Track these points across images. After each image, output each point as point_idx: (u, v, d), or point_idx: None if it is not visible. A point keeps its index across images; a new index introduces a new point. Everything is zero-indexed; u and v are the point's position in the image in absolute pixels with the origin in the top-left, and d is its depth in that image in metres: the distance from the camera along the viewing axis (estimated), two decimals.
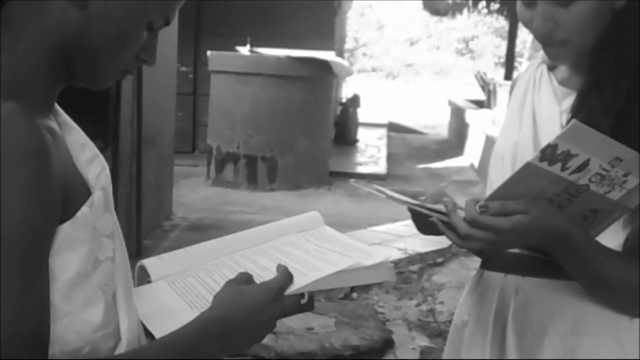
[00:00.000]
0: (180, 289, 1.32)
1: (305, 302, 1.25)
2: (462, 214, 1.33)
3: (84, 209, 1.04)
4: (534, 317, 1.51)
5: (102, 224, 1.07)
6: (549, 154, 1.24)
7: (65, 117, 1.14)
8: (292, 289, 1.21)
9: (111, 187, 1.12)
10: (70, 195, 1.02)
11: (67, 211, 1.01)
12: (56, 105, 1.14)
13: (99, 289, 1.06)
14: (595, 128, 1.27)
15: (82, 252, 1.03)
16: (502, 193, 1.31)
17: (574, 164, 1.25)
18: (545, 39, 1.46)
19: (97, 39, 1.07)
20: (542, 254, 1.42)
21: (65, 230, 1.01)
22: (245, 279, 1.21)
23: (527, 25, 1.47)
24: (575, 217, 1.35)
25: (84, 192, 1.05)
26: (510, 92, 1.70)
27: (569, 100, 1.49)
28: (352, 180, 1.62)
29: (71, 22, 1.06)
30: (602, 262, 1.39)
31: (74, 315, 1.03)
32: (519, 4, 1.48)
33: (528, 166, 1.27)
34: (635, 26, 1.41)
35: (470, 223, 1.31)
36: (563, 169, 1.26)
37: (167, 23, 1.14)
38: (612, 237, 1.43)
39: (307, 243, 1.42)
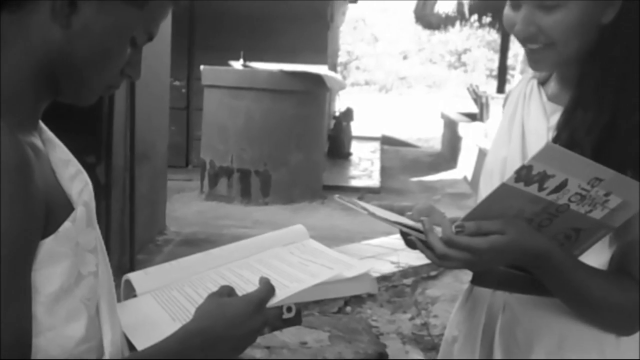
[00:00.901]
0: (165, 302, 1.33)
1: (292, 316, 1.26)
2: (440, 233, 1.32)
3: (67, 224, 1.05)
4: (520, 334, 1.51)
5: (85, 239, 1.08)
6: (524, 175, 1.24)
7: (50, 134, 1.16)
8: (274, 301, 1.23)
9: (94, 203, 1.13)
10: (53, 210, 1.03)
11: (50, 226, 1.03)
12: (40, 123, 1.15)
13: (82, 304, 1.07)
14: (579, 146, 1.27)
15: (64, 266, 1.04)
16: (478, 213, 1.31)
17: (551, 184, 1.25)
18: (526, 43, 1.46)
19: (80, 56, 1.08)
20: (527, 272, 1.41)
21: (48, 244, 1.02)
22: (227, 291, 1.23)
23: (511, 28, 1.47)
24: (557, 236, 1.35)
25: (66, 208, 1.07)
26: (504, 107, 1.71)
27: (557, 116, 1.49)
28: (336, 196, 1.62)
29: (54, 39, 1.07)
30: (584, 281, 1.38)
31: (57, 329, 1.04)
32: (506, 6, 1.48)
33: (503, 187, 1.26)
34: (621, 43, 1.41)
35: (446, 243, 1.31)
36: (540, 189, 1.26)
37: (150, 38, 1.15)
38: (598, 256, 1.43)
39: (291, 256, 1.43)
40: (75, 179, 1.10)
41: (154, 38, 1.16)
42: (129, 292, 1.39)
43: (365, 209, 1.45)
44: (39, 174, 1.01)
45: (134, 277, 1.40)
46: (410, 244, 1.45)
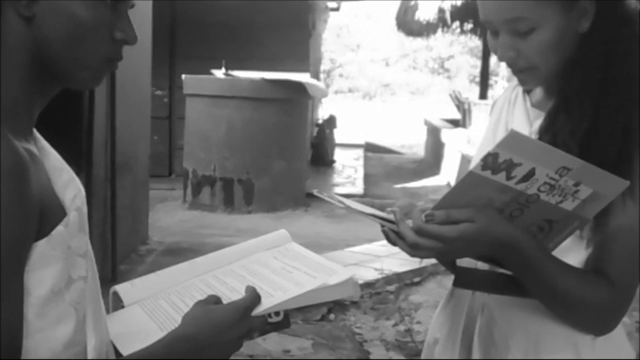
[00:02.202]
0: (152, 311, 1.35)
1: (280, 320, 1.29)
2: (411, 223, 1.34)
3: (60, 227, 1.07)
4: (497, 334, 1.52)
5: (77, 243, 1.10)
6: (490, 162, 1.24)
7: (44, 143, 1.17)
8: (259, 309, 1.25)
9: (86, 209, 1.15)
10: (47, 214, 1.05)
11: (43, 229, 1.05)
12: (35, 132, 1.16)
13: (72, 307, 1.09)
14: (563, 149, 1.27)
15: (56, 269, 1.06)
16: (448, 202, 1.32)
17: (518, 173, 1.25)
18: (510, 67, 1.49)
19: (57, 40, 1.08)
20: (498, 263, 1.42)
21: (40, 247, 1.04)
22: (213, 300, 1.25)
23: (494, 53, 1.49)
24: (530, 228, 1.35)
25: (60, 213, 1.08)
26: (490, 113, 1.73)
27: (540, 121, 1.50)
28: (315, 191, 1.64)
29: (26, 36, 1.08)
30: (554, 274, 1.39)
31: (46, 332, 1.06)
32: (488, 32, 1.50)
33: (471, 175, 1.27)
34: (600, 49, 1.42)
35: (417, 232, 1.32)
36: (508, 178, 1.26)
37: None
38: (575, 256, 1.44)
39: (274, 261, 1.44)
40: (68, 186, 1.12)
41: None
42: (117, 303, 1.41)
43: (341, 202, 1.46)
44: (35, 178, 1.03)
45: (121, 288, 1.42)
46: (386, 235, 1.46)
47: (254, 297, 1.25)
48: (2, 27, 1.07)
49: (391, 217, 1.37)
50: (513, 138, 1.23)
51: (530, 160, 1.24)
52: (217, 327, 1.19)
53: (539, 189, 1.28)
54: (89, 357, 1.11)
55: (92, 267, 1.16)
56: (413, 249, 1.34)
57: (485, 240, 1.33)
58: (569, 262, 1.42)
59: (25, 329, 1.03)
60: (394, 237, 1.37)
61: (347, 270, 1.35)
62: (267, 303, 1.26)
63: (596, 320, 1.45)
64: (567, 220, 1.34)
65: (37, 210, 1.03)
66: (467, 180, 1.28)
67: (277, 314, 1.28)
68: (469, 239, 1.31)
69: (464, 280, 1.58)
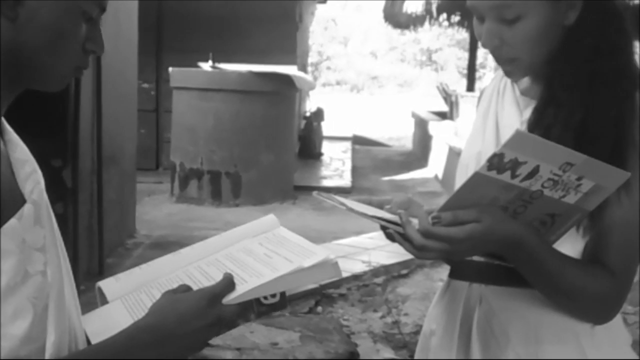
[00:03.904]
0: (132, 306, 1.32)
1: (277, 301, 1.26)
2: (417, 225, 1.33)
3: (12, 220, 1.05)
4: (496, 326, 1.52)
5: (32, 237, 1.08)
6: (496, 162, 1.25)
7: (13, 136, 1.16)
8: (232, 296, 1.22)
9: (45, 202, 1.13)
10: (5, 207, 1.04)
11: (1, 221, 1.03)
12: (5, 124, 1.16)
13: (29, 302, 1.06)
14: (560, 143, 1.28)
15: (10, 263, 1.04)
16: (454, 203, 1.32)
17: (523, 171, 1.26)
18: (494, 55, 1.49)
19: (35, 44, 1.09)
20: (504, 260, 1.43)
21: None
22: (183, 289, 1.23)
23: (479, 39, 1.49)
24: (533, 223, 1.36)
25: (21, 206, 1.07)
26: (478, 104, 1.72)
27: (530, 110, 1.51)
28: (314, 192, 1.62)
29: (5, 35, 1.07)
30: (558, 268, 1.40)
31: (3, 328, 1.03)
32: (474, 19, 1.50)
33: (477, 176, 1.27)
34: (586, 42, 1.42)
35: (424, 234, 1.31)
36: (513, 176, 1.27)
37: (103, 9, 1.15)
38: (572, 246, 1.45)
39: (259, 247, 1.42)
40: (29, 179, 1.11)
41: (105, 8, 1.16)
42: (104, 299, 1.38)
43: (343, 204, 1.45)
44: None
45: (105, 284, 1.40)
46: (390, 237, 1.45)
47: (225, 284, 1.22)
48: None
49: (396, 219, 1.36)
50: (518, 138, 1.24)
51: (534, 158, 1.25)
52: (182, 316, 1.16)
53: (542, 185, 1.29)
54: (47, 353, 1.08)
55: (56, 262, 1.13)
56: (420, 251, 1.34)
57: (491, 239, 1.33)
58: (566, 251, 1.43)
59: None
60: (399, 239, 1.36)
61: (323, 251, 1.32)
62: (241, 289, 1.23)
63: (598, 309, 1.46)
64: (569, 214, 1.35)
65: None
66: (473, 181, 1.29)
67: (273, 295, 1.25)
68: (476, 239, 1.31)
69: (461, 272, 1.60)
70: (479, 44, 1.54)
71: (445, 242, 1.31)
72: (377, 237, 6.65)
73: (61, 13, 1.09)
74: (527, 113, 1.51)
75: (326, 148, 14.03)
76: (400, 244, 1.37)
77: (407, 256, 6.10)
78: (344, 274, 5.51)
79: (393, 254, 6.16)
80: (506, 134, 1.51)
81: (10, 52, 1.08)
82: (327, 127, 14.72)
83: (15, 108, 1.17)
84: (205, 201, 8.84)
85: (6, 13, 1.06)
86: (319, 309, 5.20)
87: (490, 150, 1.51)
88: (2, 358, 1.03)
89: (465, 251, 1.38)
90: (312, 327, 4.71)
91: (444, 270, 6.52)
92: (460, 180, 1.62)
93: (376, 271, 6.00)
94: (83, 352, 1.16)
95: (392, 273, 6.04)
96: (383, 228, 1.44)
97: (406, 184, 11.42)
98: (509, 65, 1.48)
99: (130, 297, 1.36)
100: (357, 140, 16.95)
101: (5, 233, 1.03)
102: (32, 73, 1.12)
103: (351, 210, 1.43)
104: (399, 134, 19.05)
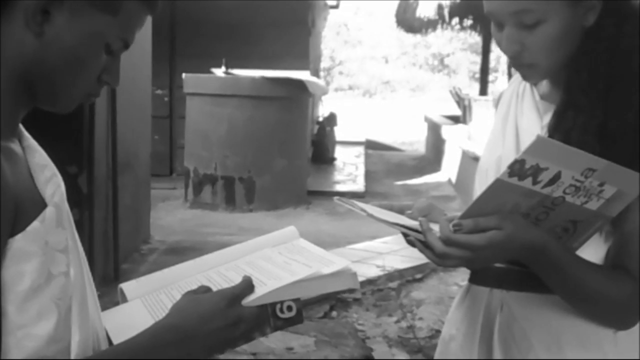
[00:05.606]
0: (151, 305, 1.34)
1: (293, 315, 1.26)
2: (438, 232, 1.33)
3: (35, 223, 1.07)
4: (518, 332, 1.51)
5: (55, 238, 1.10)
6: (517, 169, 1.25)
7: (31, 141, 1.18)
8: (250, 298, 1.23)
9: (66, 205, 1.15)
10: (25, 211, 1.06)
11: (20, 225, 1.05)
12: (23, 130, 1.18)
13: (53, 303, 1.08)
14: (579, 147, 1.27)
15: (34, 265, 1.06)
16: (475, 210, 1.32)
17: (545, 177, 1.26)
18: (513, 61, 1.48)
19: (54, 64, 1.10)
20: (525, 267, 1.42)
21: (16, 243, 1.05)
22: (203, 290, 1.25)
23: (499, 45, 1.48)
24: (555, 229, 1.35)
25: (41, 209, 1.09)
26: (496, 107, 1.71)
27: (550, 114, 1.50)
28: (335, 198, 1.62)
29: (28, 48, 1.09)
30: (581, 274, 1.39)
31: (27, 328, 1.06)
32: (492, 25, 1.49)
33: (498, 182, 1.27)
34: (605, 44, 1.41)
35: (445, 242, 1.31)
36: (535, 182, 1.26)
37: (126, 46, 1.17)
38: (595, 251, 1.44)
39: (278, 255, 1.43)
40: (49, 182, 1.13)
41: (130, 45, 1.17)
42: (124, 301, 1.40)
43: (364, 210, 1.45)
44: (11, 175, 1.04)
45: (126, 286, 1.42)
46: (411, 243, 1.46)
47: (245, 286, 1.23)
48: (7, 29, 1.08)
49: (417, 225, 1.35)
50: (540, 143, 1.24)
51: (556, 164, 1.25)
52: (202, 316, 1.18)
53: (564, 191, 1.28)
54: (72, 353, 1.10)
55: (78, 263, 1.15)
56: (441, 259, 1.33)
57: (513, 246, 1.33)
58: (588, 256, 1.41)
59: (5, 326, 1.03)
60: (421, 246, 1.36)
61: (342, 260, 1.33)
62: (260, 291, 1.24)
63: (621, 315, 1.45)
64: (592, 220, 1.35)
65: (12, 206, 1.03)
66: (494, 188, 1.28)
67: (289, 309, 1.25)
68: (497, 246, 1.31)
69: (481, 277, 1.58)
70: (492, 47, 1.54)
71: (466, 250, 1.31)
72: (391, 241, 6.65)
73: (85, 40, 1.11)
74: (547, 118, 1.50)
75: (339, 153, 14.03)
76: (422, 251, 1.37)
77: (421, 260, 6.12)
78: (359, 279, 5.51)
79: (407, 258, 6.16)
80: (526, 139, 1.51)
81: (28, 66, 1.10)
82: (340, 132, 14.72)
83: (32, 115, 1.19)
84: (219, 206, 8.86)
85: (34, 28, 1.08)
86: (334, 313, 5.20)
87: (510, 155, 1.51)
88: (27, 358, 1.05)
89: (487, 259, 1.37)
90: (327, 332, 4.71)
91: (458, 275, 6.57)
92: (479, 185, 1.62)
93: (390, 276, 5.99)
94: (107, 351, 1.18)
95: (406, 277, 6.04)
96: (404, 235, 1.44)
97: (419, 188, 11.41)
98: (527, 69, 1.47)
99: (150, 297, 1.38)
100: (370, 145, 16.94)
101: (28, 236, 1.05)
102: (44, 91, 1.13)
103: (372, 216, 1.42)
104: (411, 139, 19.03)
